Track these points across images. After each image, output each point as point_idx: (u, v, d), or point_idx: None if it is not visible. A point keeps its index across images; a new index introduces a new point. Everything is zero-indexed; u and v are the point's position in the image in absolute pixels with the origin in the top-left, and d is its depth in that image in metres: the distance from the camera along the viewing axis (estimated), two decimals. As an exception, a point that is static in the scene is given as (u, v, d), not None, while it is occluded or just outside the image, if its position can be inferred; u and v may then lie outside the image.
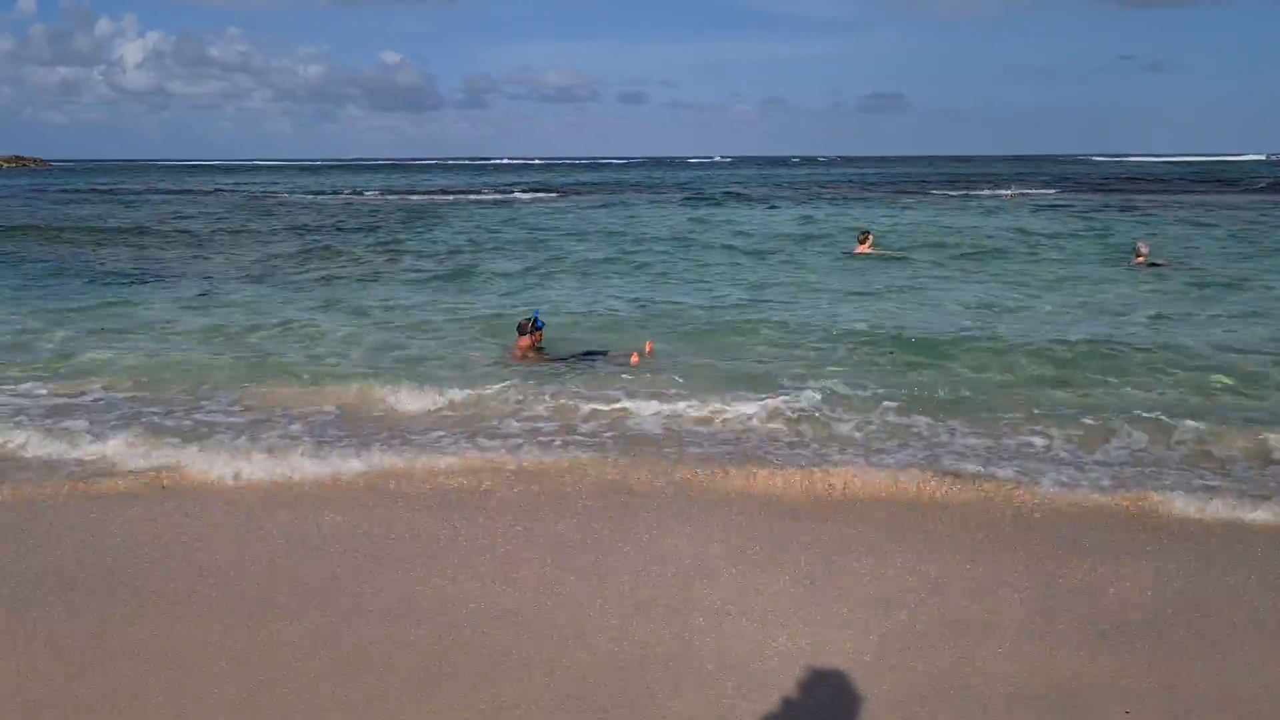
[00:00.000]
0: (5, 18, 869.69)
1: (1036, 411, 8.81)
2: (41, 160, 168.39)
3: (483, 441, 8.19)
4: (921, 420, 8.59)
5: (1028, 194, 48.97)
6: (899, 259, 20.66)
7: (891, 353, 11.27)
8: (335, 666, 4.66)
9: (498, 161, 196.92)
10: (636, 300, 15.61)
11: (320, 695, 4.42)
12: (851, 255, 20.95)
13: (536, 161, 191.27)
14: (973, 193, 49.72)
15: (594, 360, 11.05)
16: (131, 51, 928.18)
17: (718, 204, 42.07)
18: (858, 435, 8.27)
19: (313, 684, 4.51)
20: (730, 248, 23.86)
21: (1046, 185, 58.29)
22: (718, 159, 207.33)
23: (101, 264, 21.67)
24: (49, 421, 8.78)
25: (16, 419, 8.82)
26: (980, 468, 7.42)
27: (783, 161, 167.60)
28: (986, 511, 6.67)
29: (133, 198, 51.44)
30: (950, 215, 32.65)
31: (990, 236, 25.19)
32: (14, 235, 28.43)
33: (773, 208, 38.57)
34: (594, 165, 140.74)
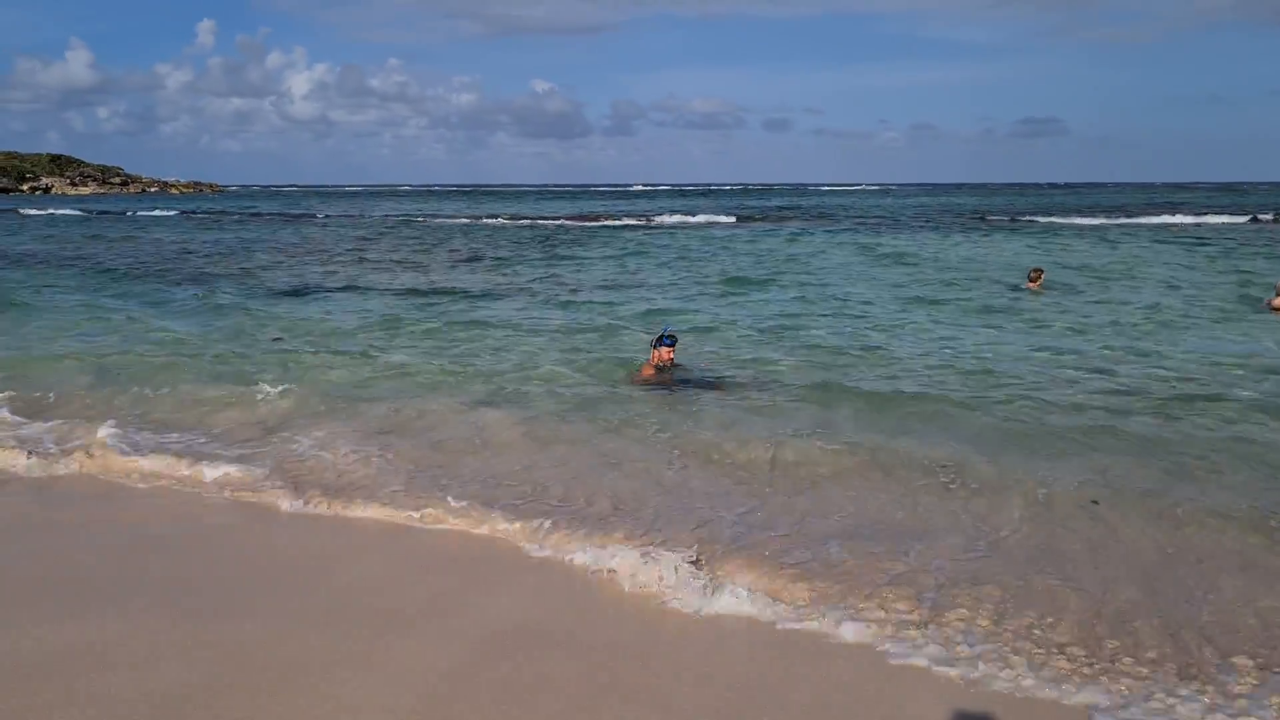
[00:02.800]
0: (186, 53, 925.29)
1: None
2: (217, 186, 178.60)
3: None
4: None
5: None
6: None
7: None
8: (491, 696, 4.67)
9: (648, 187, 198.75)
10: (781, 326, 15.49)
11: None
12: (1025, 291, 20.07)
13: (689, 188, 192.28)
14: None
15: (713, 385, 10.91)
16: (299, 83, 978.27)
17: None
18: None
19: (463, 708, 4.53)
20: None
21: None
22: (865, 186, 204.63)
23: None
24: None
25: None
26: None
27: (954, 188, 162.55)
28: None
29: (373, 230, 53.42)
30: None
31: None
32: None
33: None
34: (744, 192, 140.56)
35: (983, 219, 54.49)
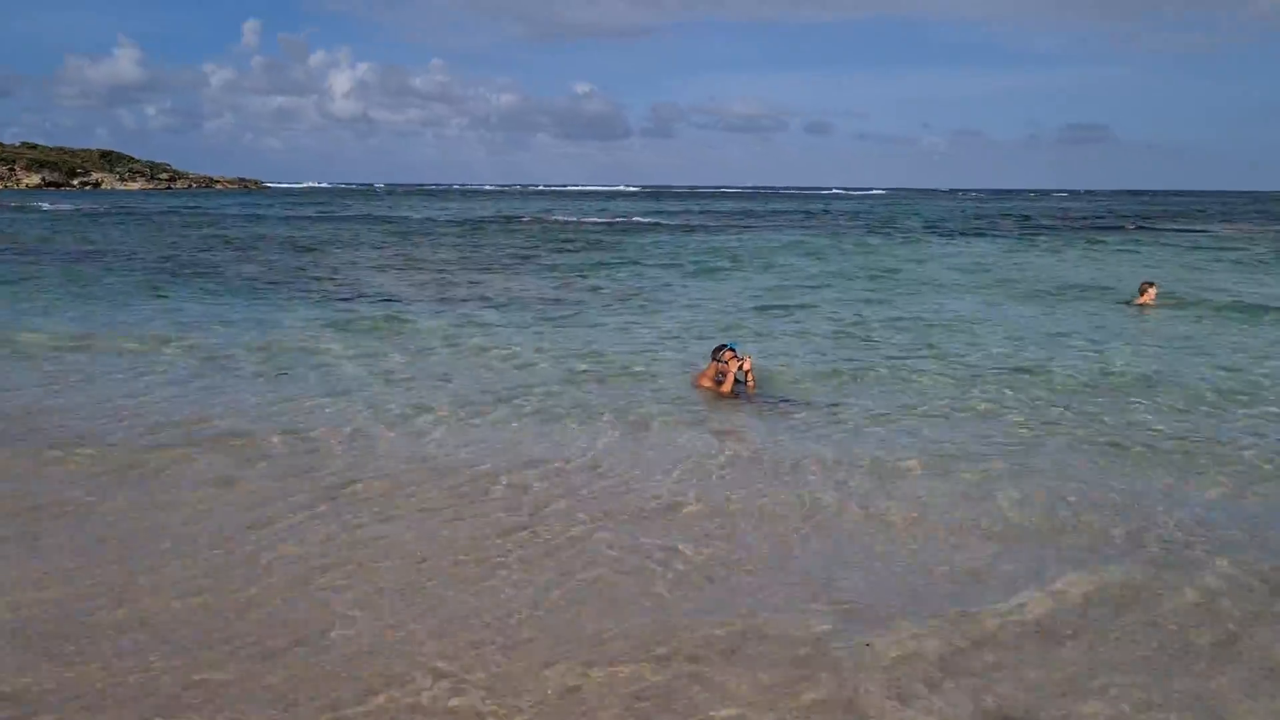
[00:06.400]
0: (230, 51, 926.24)
1: None
2: (259, 182, 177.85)
3: None
4: None
5: None
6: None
7: None
8: None
9: (692, 189, 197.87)
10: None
11: None
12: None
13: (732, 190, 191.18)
14: None
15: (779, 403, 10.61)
16: (340, 81, 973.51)
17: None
18: None
19: None
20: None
21: None
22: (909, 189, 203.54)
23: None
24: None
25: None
26: None
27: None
28: None
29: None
30: None
31: None
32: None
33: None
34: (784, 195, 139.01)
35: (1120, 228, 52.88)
